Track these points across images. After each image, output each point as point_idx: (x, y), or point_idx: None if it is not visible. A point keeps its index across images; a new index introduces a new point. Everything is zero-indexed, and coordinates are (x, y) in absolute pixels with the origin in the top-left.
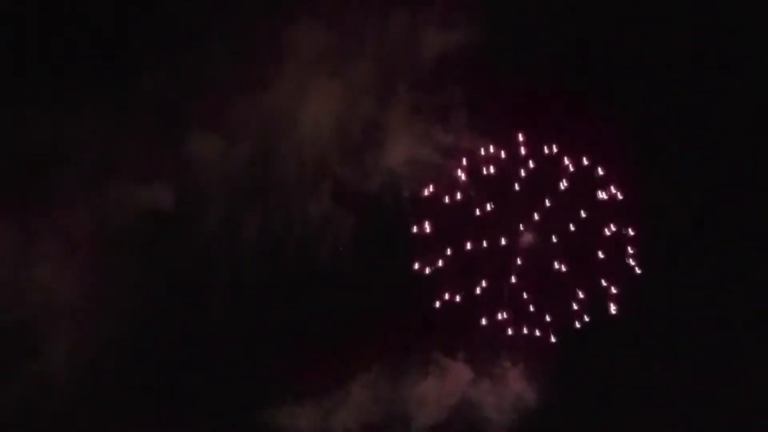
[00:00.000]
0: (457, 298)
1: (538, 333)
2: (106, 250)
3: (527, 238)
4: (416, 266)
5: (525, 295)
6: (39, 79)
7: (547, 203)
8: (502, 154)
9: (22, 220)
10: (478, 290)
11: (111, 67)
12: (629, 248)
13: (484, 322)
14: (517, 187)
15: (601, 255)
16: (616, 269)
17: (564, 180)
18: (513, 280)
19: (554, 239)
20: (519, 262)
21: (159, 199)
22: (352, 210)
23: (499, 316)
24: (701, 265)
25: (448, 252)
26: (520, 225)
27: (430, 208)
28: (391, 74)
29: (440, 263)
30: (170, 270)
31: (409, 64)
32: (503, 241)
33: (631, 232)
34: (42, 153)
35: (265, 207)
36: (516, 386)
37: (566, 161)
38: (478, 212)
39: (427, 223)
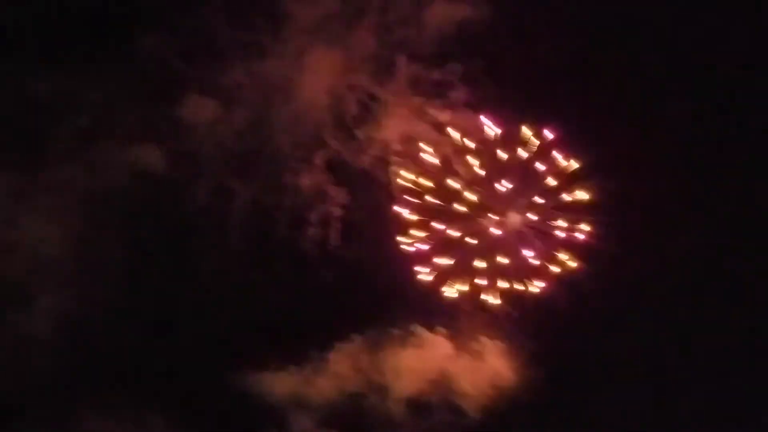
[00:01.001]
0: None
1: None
2: (95, 209)
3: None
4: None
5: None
6: (33, 36)
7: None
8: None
9: (12, 177)
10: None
11: (108, 26)
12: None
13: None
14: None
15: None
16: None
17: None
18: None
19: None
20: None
21: (151, 160)
22: (343, 183)
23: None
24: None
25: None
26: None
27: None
28: (392, 46)
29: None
30: (158, 231)
31: (411, 37)
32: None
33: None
34: (34, 110)
35: (256, 175)
36: (494, 362)
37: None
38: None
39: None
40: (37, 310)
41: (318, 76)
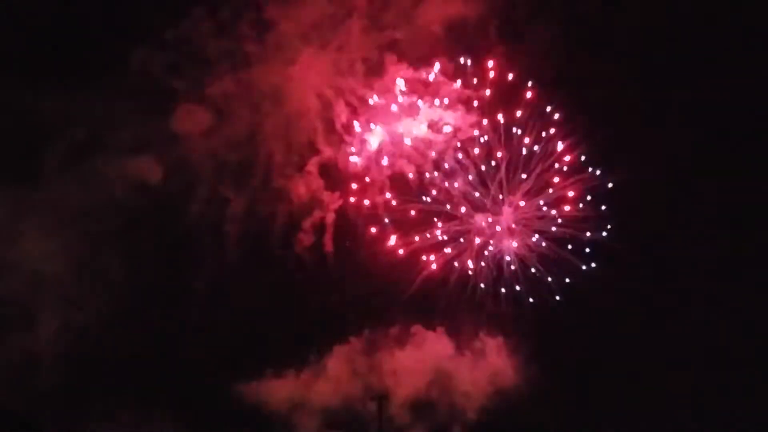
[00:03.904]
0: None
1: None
2: (93, 223)
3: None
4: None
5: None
6: (26, 51)
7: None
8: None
9: (9, 193)
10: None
11: (98, 40)
12: None
13: None
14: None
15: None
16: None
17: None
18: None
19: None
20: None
21: (146, 172)
22: (336, 187)
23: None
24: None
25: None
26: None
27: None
28: (382, 48)
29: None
30: (156, 243)
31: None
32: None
33: None
34: (29, 126)
35: (250, 182)
36: (495, 360)
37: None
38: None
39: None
40: (40, 326)
41: (307, 82)
